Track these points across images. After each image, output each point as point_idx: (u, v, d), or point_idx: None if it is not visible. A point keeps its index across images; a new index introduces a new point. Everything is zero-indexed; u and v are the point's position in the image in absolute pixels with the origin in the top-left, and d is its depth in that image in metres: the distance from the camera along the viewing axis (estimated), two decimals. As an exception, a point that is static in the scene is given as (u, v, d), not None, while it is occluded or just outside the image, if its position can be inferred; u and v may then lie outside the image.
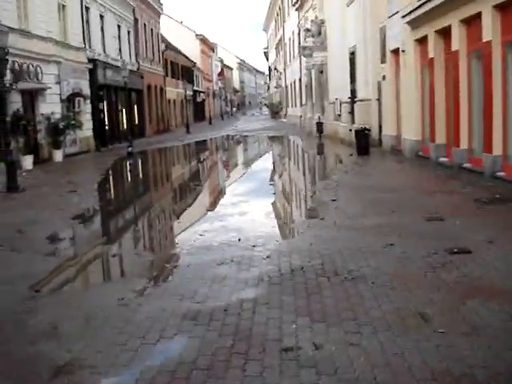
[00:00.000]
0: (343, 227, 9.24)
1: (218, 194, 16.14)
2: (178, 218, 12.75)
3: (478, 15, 12.88)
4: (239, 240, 8.78)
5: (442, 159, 16.10)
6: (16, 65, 21.89)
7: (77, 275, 8.02)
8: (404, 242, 7.99)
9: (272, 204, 13.31)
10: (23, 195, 15.30)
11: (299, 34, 43.66)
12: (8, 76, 20.35)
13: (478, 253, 7.25)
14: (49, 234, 10.24)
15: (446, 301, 5.66)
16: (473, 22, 13.57)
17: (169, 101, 55.50)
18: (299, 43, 42.57)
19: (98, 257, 9.19)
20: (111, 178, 21.87)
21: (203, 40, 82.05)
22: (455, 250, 7.35)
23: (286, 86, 60.39)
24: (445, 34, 15.54)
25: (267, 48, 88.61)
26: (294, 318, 5.38)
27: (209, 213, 12.90)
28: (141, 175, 22.74)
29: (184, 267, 7.51)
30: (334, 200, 11.89)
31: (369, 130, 21.79)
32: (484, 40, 12.73)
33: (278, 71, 69.12)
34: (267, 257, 7.67)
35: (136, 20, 43.17)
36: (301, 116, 45.62)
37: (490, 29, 12.40)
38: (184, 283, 6.74)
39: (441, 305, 5.56)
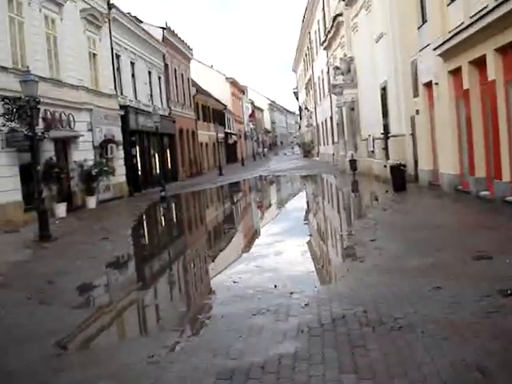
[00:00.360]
0: (385, 270, 8.73)
1: (251, 237, 15.72)
2: (212, 263, 12.36)
3: (515, 43, 12.44)
4: (275, 287, 8.34)
5: (483, 193, 15.47)
6: (48, 113, 22.06)
7: (105, 330, 7.64)
8: (452, 284, 7.45)
9: (308, 245, 12.85)
10: (55, 244, 15.13)
11: (328, 72, 43.63)
12: (40, 125, 20.56)
13: (534, 294, 6.68)
14: (79, 285, 9.95)
15: (505, 351, 5.12)
16: (509, 51, 13.11)
17: (201, 144, 55.74)
18: (329, 82, 42.51)
19: (128, 309, 8.81)
20: (144, 223, 21.69)
21: (233, 83, 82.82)
22: (509, 292, 6.79)
23: (317, 125, 60.25)
24: (479, 64, 15.10)
25: (297, 88, 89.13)
26: (338, 376, 4.91)
27: (243, 255, 12.59)
28: (174, 219, 22.50)
29: (218, 318, 7.08)
30: (373, 240, 11.38)
31: (404, 166, 21.29)
32: (523, 68, 12.26)
33: (308, 110, 69.18)
34: (306, 305, 7.21)
35: (166, 66, 43.69)
36: (333, 154, 45.24)
37: (528, 56, 11.94)
38: (218, 337, 6.32)
39: (500, 356, 5.03)
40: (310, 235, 14.49)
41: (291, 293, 7.90)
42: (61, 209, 21.86)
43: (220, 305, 7.81)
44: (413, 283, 7.69)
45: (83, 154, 25.47)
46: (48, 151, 22.29)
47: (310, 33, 58.76)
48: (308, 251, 12.23)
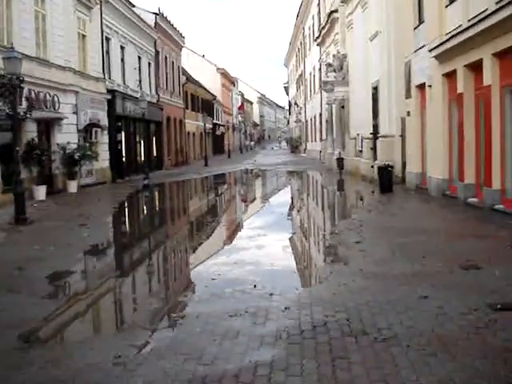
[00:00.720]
0: (370, 274, 8.39)
1: (233, 230, 15.32)
2: (192, 256, 12.02)
3: (514, 48, 12.16)
4: (255, 286, 7.97)
5: (472, 200, 15.23)
6: (32, 93, 21.52)
7: (73, 324, 7.21)
8: (439, 294, 7.13)
9: (290, 243, 12.51)
10: (31, 228, 14.67)
11: (320, 69, 43.32)
12: (23, 104, 20.03)
13: (525, 310, 6.38)
14: (50, 273, 9.51)
15: (496, 374, 4.80)
16: (507, 56, 12.83)
17: (188, 133, 55.21)
18: (320, 78, 42.19)
19: (99, 302, 8.37)
20: (125, 210, 21.25)
21: (224, 74, 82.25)
22: (498, 306, 6.49)
23: (306, 121, 59.97)
24: (475, 68, 14.82)
25: (287, 83, 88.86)
26: (317, 391, 4.56)
27: (224, 248, 12.35)
28: (156, 208, 22.06)
29: (192, 318, 6.68)
30: (357, 242, 11.05)
31: (392, 167, 21.02)
32: (520, 74, 11.98)
33: (298, 106, 68.88)
34: (285, 308, 6.84)
35: (157, 52, 43.10)
36: (320, 151, 45.00)
37: (527, 63, 11.66)
38: (191, 339, 5.94)
39: (490, 377, 4.71)
40: (293, 233, 14.15)
41: (271, 294, 7.54)
42: (40, 192, 21.35)
43: (196, 303, 7.42)
44: (398, 291, 7.36)
45: (67, 136, 24.94)
46: (30, 132, 21.76)
47: (303, 28, 58.39)
48: (290, 250, 11.92)
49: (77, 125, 26.31)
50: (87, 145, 27.03)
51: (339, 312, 6.58)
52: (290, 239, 13.05)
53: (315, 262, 10.77)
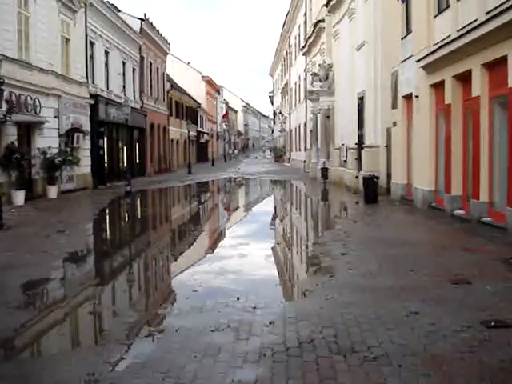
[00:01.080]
0: (357, 288, 8.09)
1: (215, 239, 14.97)
2: (172, 265, 11.65)
3: (504, 59, 11.96)
4: (238, 299, 7.62)
5: (458, 212, 15.03)
6: (13, 96, 21.05)
7: (45, 337, 6.82)
8: (429, 309, 6.85)
9: (273, 254, 12.20)
10: (7, 234, 14.21)
11: (306, 78, 43.20)
12: (3, 107, 19.56)
13: (519, 328, 6.12)
14: (24, 282, 9.10)
15: (494, 396, 4.52)
16: (497, 67, 12.66)
17: (171, 140, 54.80)
18: (305, 88, 42.03)
19: (73, 313, 7.92)
20: (105, 217, 20.79)
21: (209, 82, 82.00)
22: (492, 324, 6.22)
23: (291, 130, 59.83)
24: (463, 78, 14.66)
25: (272, 92, 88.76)
26: (305, 415, 4.24)
27: (206, 257, 12.05)
28: (137, 215, 21.62)
29: (171, 332, 6.32)
30: (343, 254, 10.77)
31: (377, 178, 20.82)
32: (510, 85, 11.78)
33: (282, 115, 68.75)
34: (270, 323, 6.52)
35: (142, 58, 42.71)
36: (305, 161, 44.79)
37: (517, 73, 11.48)
38: (170, 355, 5.59)
39: (489, 401, 4.43)
40: (277, 243, 13.85)
41: (254, 307, 7.20)
42: (19, 197, 20.87)
43: (176, 316, 7.04)
44: (387, 306, 7.07)
45: (47, 141, 24.46)
46: (10, 135, 21.30)
47: (289, 37, 58.35)
48: (273, 259, 11.61)
49: (58, 129, 25.84)
50: (68, 150, 26.53)
51: (326, 327, 6.27)
52: (273, 249, 12.78)
53: (300, 274, 10.44)
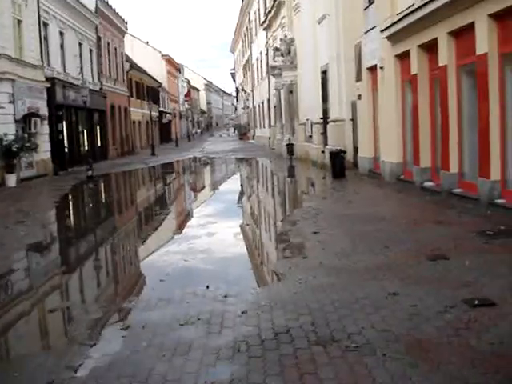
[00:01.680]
0: (332, 269, 7.73)
1: (182, 220, 14.51)
2: (138, 253, 11.19)
3: (471, 26, 11.65)
4: (208, 287, 7.20)
5: (428, 184, 14.81)
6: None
7: (-1, 340, 6.32)
8: (409, 289, 6.54)
9: (243, 234, 11.82)
10: (-38, 227, 13.52)
11: (267, 53, 42.59)
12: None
13: (504, 305, 5.84)
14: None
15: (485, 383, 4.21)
16: (464, 34, 12.35)
17: (133, 122, 53.75)
18: (267, 63, 41.46)
19: (31, 312, 7.38)
20: (67, 204, 20.10)
21: (169, 60, 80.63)
22: (476, 303, 5.93)
23: (254, 107, 59.24)
24: (430, 48, 14.33)
25: (234, 69, 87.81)
26: (286, 419, 3.86)
27: (175, 237, 11.90)
28: (101, 201, 21.01)
29: (138, 329, 5.86)
30: (315, 232, 10.41)
31: (344, 152, 20.52)
32: (478, 53, 11.49)
33: (245, 92, 68.06)
34: (243, 313, 6.12)
35: (99, 38, 41.53)
36: (270, 137, 44.38)
37: (485, 40, 11.16)
38: (136, 355, 5.15)
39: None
40: (247, 224, 13.47)
41: (225, 296, 6.80)
42: (-26, 186, 20.05)
43: (142, 310, 6.58)
44: (365, 287, 6.73)
45: (3, 127, 23.57)
46: (-38, 123, 20.39)
47: (249, 13, 57.45)
48: (243, 240, 11.28)
49: (14, 115, 24.87)
50: (26, 136, 25.64)
51: (303, 315, 5.90)
52: (242, 227, 12.53)
53: (271, 256, 10.07)
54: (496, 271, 7.09)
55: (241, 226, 12.67)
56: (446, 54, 13.14)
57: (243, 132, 70.41)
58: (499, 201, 11.13)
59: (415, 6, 14.25)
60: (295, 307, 6.17)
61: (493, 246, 8.48)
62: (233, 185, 23.29)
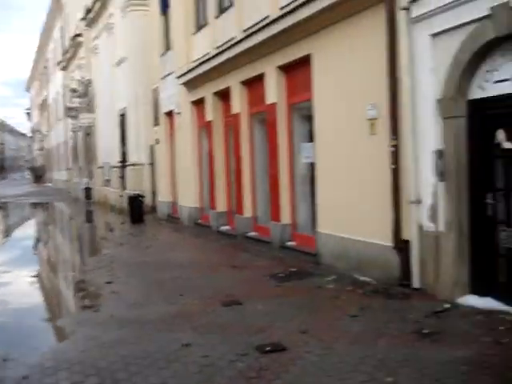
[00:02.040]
0: (124, 321, 7.37)
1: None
2: None
3: (262, 76, 12.19)
4: (-17, 350, 6.47)
5: (224, 228, 15.08)
6: None
7: None
8: (203, 339, 6.41)
9: (37, 284, 10.99)
10: None
11: (64, 94, 41.24)
12: None
13: (294, 349, 5.92)
14: None
15: None
16: (255, 84, 12.87)
17: None
18: (64, 104, 40.11)
19: None
20: None
21: (-45, 97, 74.88)
22: (268, 349, 5.96)
23: (51, 149, 56.82)
24: (224, 96, 14.76)
25: (30, 108, 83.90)
26: None
27: None
28: None
29: None
30: (109, 282, 9.97)
31: (143, 197, 20.31)
32: (268, 102, 12.03)
33: (41, 133, 65.17)
34: (24, 378, 5.54)
35: None
36: (67, 180, 42.73)
37: (274, 90, 11.72)
38: None
39: None
40: (37, 275, 12.53)
41: (5, 360, 6.14)
42: None
43: None
44: (158, 340, 6.47)
45: None
46: None
47: (47, 51, 55.47)
48: (35, 292, 10.52)
49: None
50: None
51: (90, 376, 5.47)
52: (36, 279, 11.73)
53: (62, 311, 9.43)
54: (287, 314, 7.25)
55: (37, 275, 11.85)
56: (238, 102, 13.60)
57: (39, 174, 67.04)
58: (290, 243, 11.62)
59: (210, 55, 14.67)
60: (82, 367, 5.72)
61: (284, 289, 8.73)
62: (28, 231, 21.97)
